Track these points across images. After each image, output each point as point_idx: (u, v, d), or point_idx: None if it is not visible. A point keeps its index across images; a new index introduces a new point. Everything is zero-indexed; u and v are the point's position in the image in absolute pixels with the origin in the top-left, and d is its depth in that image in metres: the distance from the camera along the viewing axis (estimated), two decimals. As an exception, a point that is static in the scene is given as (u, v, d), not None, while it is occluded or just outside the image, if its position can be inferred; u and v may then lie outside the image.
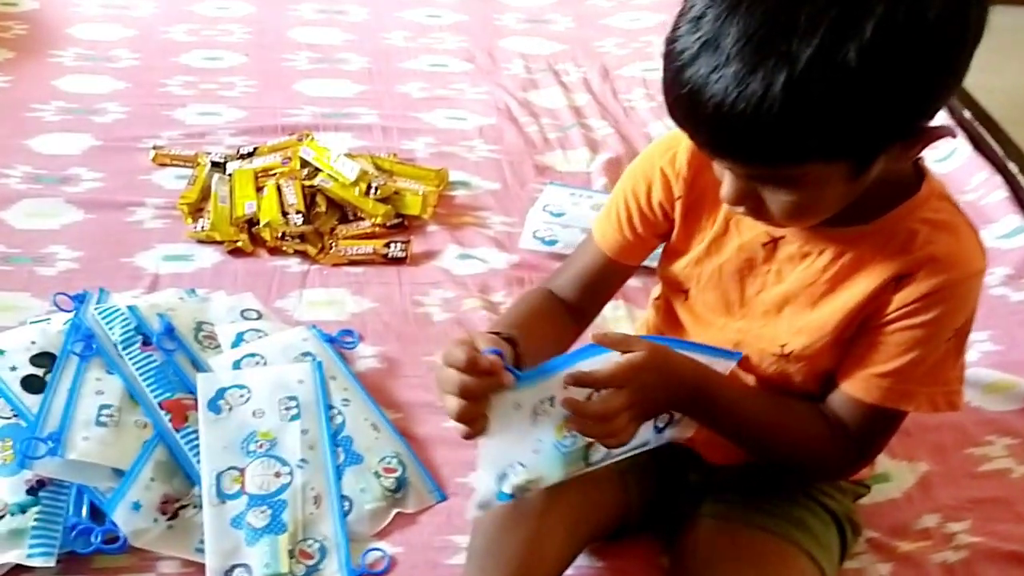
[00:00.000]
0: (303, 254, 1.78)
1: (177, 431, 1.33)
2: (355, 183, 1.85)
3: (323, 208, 1.85)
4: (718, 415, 1.01)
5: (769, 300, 1.02)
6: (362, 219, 1.86)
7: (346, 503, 1.30)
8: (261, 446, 1.34)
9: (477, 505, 0.98)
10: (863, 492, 1.25)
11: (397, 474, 1.35)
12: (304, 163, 1.92)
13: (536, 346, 0.98)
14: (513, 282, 1.75)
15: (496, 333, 0.95)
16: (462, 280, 1.75)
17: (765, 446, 1.05)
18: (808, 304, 1.00)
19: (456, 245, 1.84)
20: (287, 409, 1.39)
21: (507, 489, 0.96)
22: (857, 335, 0.98)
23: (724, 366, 1.02)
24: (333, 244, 1.79)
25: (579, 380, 0.88)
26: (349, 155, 1.94)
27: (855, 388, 0.99)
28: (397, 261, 1.78)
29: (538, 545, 1.05)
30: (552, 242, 1.81)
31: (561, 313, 1.14)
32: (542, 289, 1.17)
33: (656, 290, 1.28)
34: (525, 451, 0.95)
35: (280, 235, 1.78)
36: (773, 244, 1.00)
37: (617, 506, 1.18)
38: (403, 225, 1.87)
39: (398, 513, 1.31)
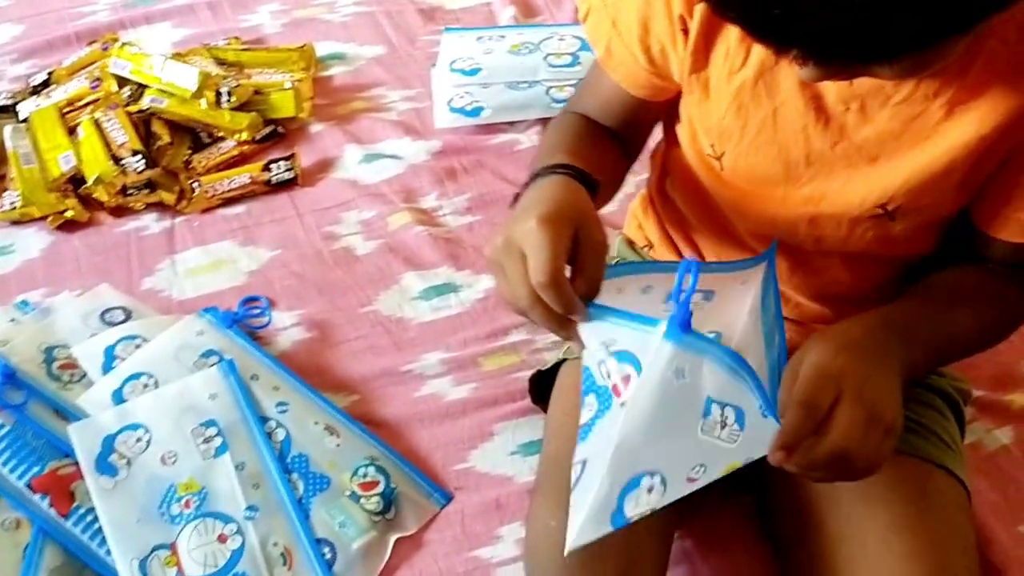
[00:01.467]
0: (159, 206, 1.35)
1: (65, 517, 0.97)
2: (198, 93, 1.39)
3: (166, 138, 1.39)
4: (931, 346, 0.76)
5: (854, 148, 0.76)
6: (222, 139, 1.41)
7: (325, 549, 0.97)
8: (188, 504, 0.98)
9: (578, 534, 0.62)
10: None
11: (379, 488, 1.01)
12: (121, 81, 1.47)
13: (602, 178, 0.78)
14: (444, 177, 1.37)
15: (564, 168, 0.73)
16: (378, 190, 1.36)
17: (970, 345, 0.83)
18: (916, 142, 0.74)
19: (355, 144, 1.43)
20: (206, 441, 1.03)
21: (631, 512, 0.62)
22: (1002, 168, 0.74)
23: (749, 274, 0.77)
24: (195, 184, 1.35)
25: (786, 439, 0.63)
26: (178, 55, 1.54)
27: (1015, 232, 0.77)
28: (286, 185, 1.37)
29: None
30: (476, 111, 1.41)
31: (611, 138, 0.89)
32: (574, 114, 0.91)
33: (633, 210, 1.02)
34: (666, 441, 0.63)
35: (120, 189, 1.33)
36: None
37: None
38: (278, 134, 1.43)
39: (398, 539, 0.99)
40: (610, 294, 0.67)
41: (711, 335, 0.69)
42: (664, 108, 0.87)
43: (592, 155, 0.80)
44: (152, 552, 0.95)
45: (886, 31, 0.53)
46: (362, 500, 1.00)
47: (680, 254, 0.95)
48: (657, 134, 0.92)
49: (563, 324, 0.66)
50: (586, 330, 0.66)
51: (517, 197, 0.73)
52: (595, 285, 0.67)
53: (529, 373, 1.06)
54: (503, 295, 0.68)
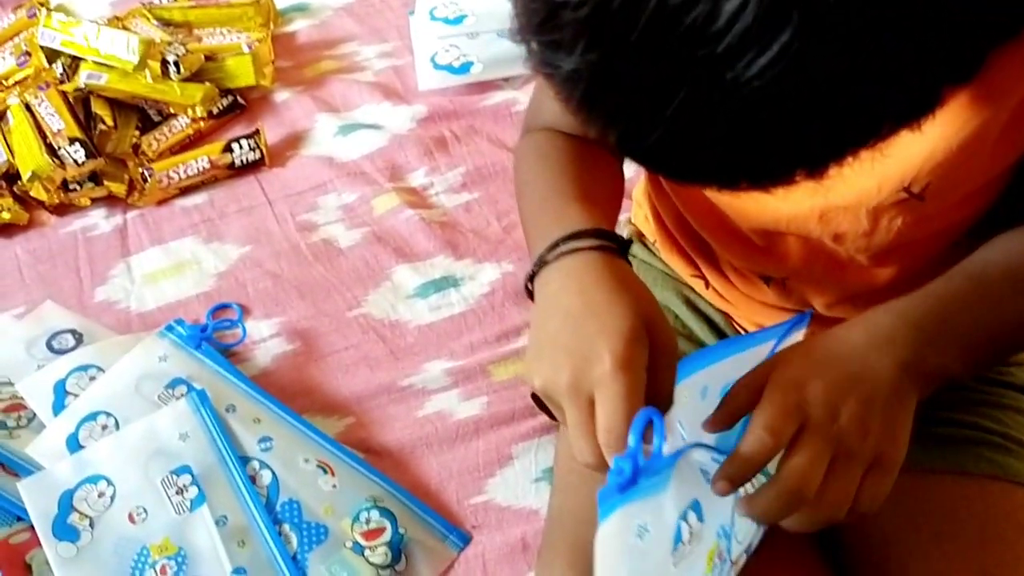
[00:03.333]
0: (108, 200, 1.18)
1: (21, 596, 0.82)
2: (141, 64, 1.20)
3: (108, 121, 1.21)
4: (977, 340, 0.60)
5: None
6: (174, 116, 1.23)
7: (330, 615, 0.83)
8: (164, 571, 0.85)
9: None
10: None
11: (386, 535, 0.88)
12: (52, 54, 1.26)
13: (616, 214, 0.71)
14: (433, 148, 1.20)
15: (594, 236, 0.60)
16: (358, 168, 1.19)
17: None
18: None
19: (328, 114, 1.24)
20: (180, 492, 0.88)
21: None
22: None
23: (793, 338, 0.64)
24: (147, 172, 1.17)
25: (730, 471, 0.52)
26: (116, 19, 1.34)
27: None
28: (252, 167, 1.19)
29: None
30: (465, 68, 1.23)
31: (599, 150, 0.73)
32: (546, 134, 0.75)
33: (636, 198, 0.90)
34: None
35: (61, 184, 1.15)
36: None
37: None
38: (238, 106, 1.25)
39: (413, 597, 0.85)
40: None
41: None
42: None
43: (602, 192, 0.67)
44: (126, 632, 0.82)
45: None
46: (366, 552, 0.86)
47: (686, 255, 0.81)
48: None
49: None
50: None
51: (533, 278, 0.60)
52: (667, 404, 0.54)
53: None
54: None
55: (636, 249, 0.88)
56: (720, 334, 0.84)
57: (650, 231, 0.86)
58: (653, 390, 0.53)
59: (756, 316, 0.81)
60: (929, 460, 0.72)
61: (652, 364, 0.54)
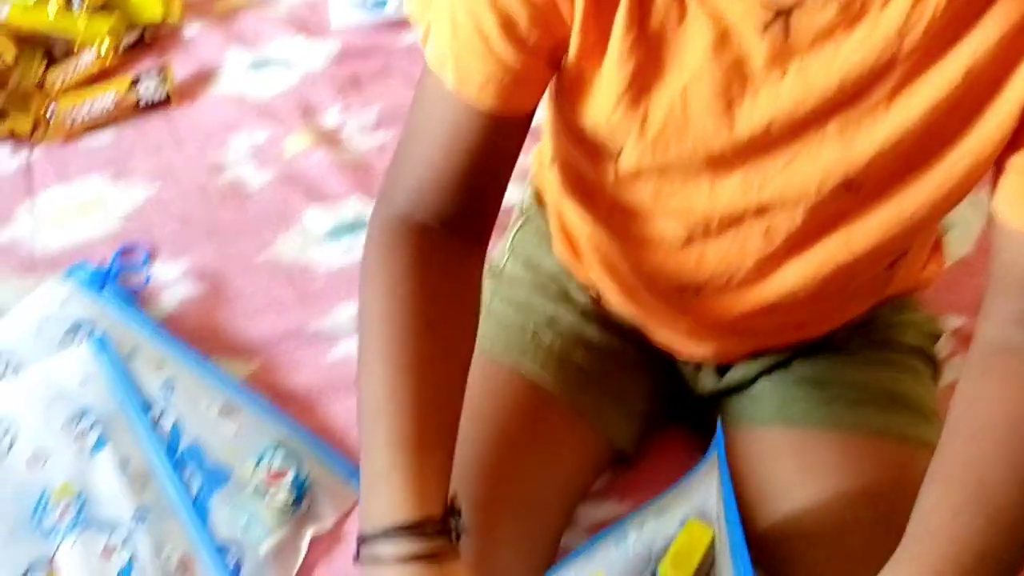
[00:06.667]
0: (12, 138, 1.14)
1: (-83, 541, 0.82)
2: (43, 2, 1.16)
3: (9, 56, 1.17)
4: None
5: (796, 111, 0.57)
6: (79, 52, 1.19)
7: (229, 556, 0.84)
8: (65, 513, 0.84)
9: None
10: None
11: (289, 476, 0.88)
12: (-54, -15, 1.20)
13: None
14: (347, 87, 1.18)
15: (420, 530, 0.55)
16: (269, 107, 1.17)
17: None
18: (898, 85, 0.55)
19: (239, 49, 1.21)
20: (81, 436, 0.88)
21: None
22: None
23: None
24: (51, 109, 1.14)
25: None
26: None
27: None
28: (159, 105, 1.15)
29: None
30: (380, 3, 1.19)
31: (461, 304, 0.65)
32: (405, 265, 0.63)
33: (541, 153, 0.82)
34: None
35: (-40, 121, 1.12)
36: (785, 17, 0.53)
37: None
38: (144, 42, 1.21)
39: (315, 538, 0.86)
40: None
41: None
42: (525, 131, 0.64)
43: (448, 405, 0.61)
44: (26, 574, 0.82)
45: None
46: (269, 493, 0.87)
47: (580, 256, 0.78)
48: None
49: None
50: None
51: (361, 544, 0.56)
52: None
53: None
54: None
55: (532, 211, 0.86)
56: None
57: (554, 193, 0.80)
58: None
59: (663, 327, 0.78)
60: (818, 420, 0.75)
61: None
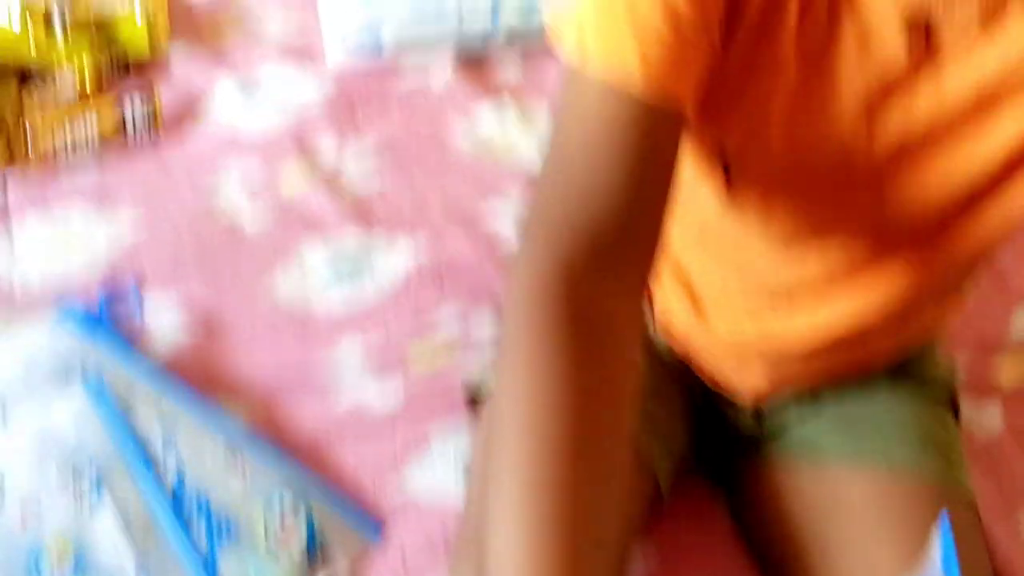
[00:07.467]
0: (-13, 165, 1.08)
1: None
2: (23, 33, 1.10)
3: (-18, 79, 1.11)
4: None
5: (942, 113, 0.57)
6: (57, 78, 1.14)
7: (241, 611, 0.80)
8: (62, 568, 0.79)
9: None
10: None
11: (300, 524, 0.84)
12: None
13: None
14: (342, 113, 1.13)
15: None
16: (262, 138, 1.11)
17: None
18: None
19: (228, 75, 1.16)
20: (76, 488, 0.83)
21: None
22: None
23: None
24: (29, 136, 1.09)
25: None
26: None
27: None
28: (146, 134, 1.11)
29: None
30: (376, 48, 1.16)
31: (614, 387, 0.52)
32: (553, 390, 0.49)
33: None
34: None
35: (-67, 149, 1.06)
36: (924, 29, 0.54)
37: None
38: (127, 68, 1.16)
39: (328, 587, 0.83)
40: None
41: None
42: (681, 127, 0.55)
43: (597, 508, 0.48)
44: (22, 636, 0.77)
45: None
46: (280, 548, 0.84)
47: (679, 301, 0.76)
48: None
49: None
50: None
51: None
52: None
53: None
54: None
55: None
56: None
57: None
58: None
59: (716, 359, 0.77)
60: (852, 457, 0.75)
61: None
